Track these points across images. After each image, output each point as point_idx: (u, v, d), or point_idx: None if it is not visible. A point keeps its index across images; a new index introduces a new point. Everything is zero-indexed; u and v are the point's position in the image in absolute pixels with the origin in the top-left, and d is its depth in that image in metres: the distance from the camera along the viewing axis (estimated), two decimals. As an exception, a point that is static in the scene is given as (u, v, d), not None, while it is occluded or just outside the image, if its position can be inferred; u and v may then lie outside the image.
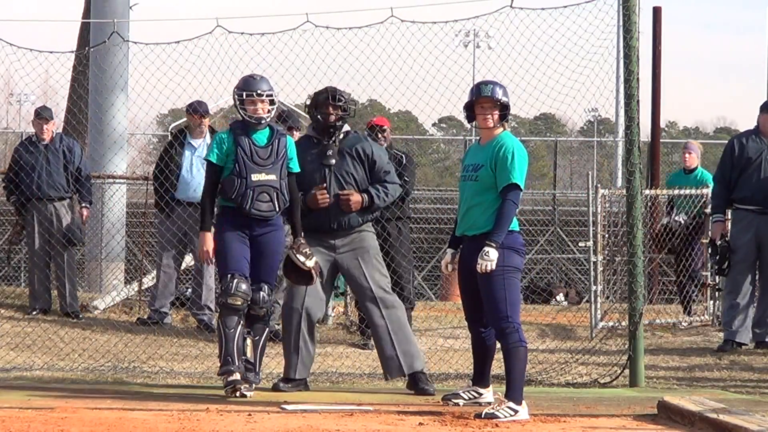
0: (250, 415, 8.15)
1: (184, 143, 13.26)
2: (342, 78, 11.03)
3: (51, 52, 11.70)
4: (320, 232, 9.46)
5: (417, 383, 9.46)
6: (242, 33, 11.11)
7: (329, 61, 11.20)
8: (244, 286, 9.03)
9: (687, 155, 14.74)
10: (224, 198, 9.17)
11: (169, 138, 13.80)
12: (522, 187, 8.45)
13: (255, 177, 9.07)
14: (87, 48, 14.98)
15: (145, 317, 13.44)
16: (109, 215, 15.20)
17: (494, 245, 8.29)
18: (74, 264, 14.02)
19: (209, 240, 9.14)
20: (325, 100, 9.45)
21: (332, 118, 9.44)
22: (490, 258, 8.28)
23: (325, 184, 9.40)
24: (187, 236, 13.10)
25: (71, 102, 16.42)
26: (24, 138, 14.45)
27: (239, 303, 9.02)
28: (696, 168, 14.70)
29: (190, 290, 13.74)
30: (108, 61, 14.53)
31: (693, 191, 14.25)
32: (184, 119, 14.07)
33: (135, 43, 12.26)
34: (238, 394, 8.96)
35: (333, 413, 8.28)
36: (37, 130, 13.68)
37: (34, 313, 13.58)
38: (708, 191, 13.93)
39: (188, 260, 13.66)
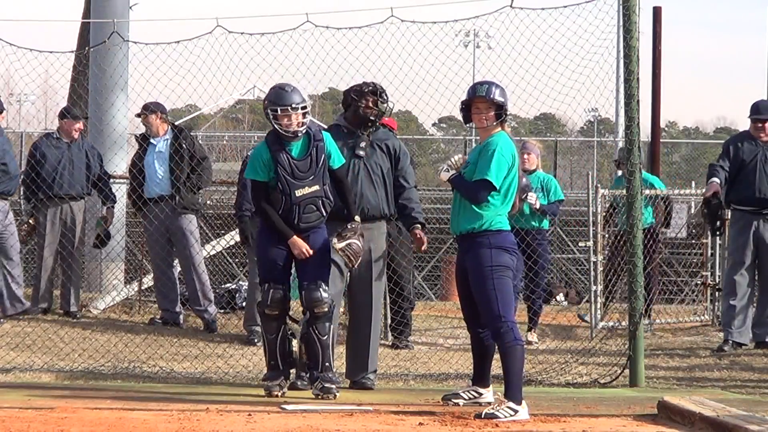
0: (250, 415, 8.14)
1: (149, 143, 13.34)
2: (342, 78, 11.03)
3: (51, 52, 11.71)
4: (341, 220, 9.49)
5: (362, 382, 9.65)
6: (242, 33, 11.12)
7: (329, 61, 11.21)
8: (278, 295, 9.03)
9: (526, 156, 13.01)
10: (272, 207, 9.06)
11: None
12: (496, 186, 8.39)
13: (299, 193, 8.97)
14: (87, 48, 14.95)
15: (158, 318, 13.43)
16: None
17: (449, 175, 8.54)
18: (80, 265, 14.03)
19: (300, 242, 9.00)
20: (370, 93, 9.52)
21: (370, 113, 9.52)
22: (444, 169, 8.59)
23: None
24: (169, 231, 13.19)
25: (71, 102, 16.40)
26: (43, 136, 14.40)
27: (276, 312, 9.07)
28: (535, 170, 13.30)
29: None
30: (108, 61, 14.51)
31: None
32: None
33: (135, 43, 12.27)
34: (279, 394, 9.01)
35: (333, 413, 8.28)
36: (66, 128, 13.59)
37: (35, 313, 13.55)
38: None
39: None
